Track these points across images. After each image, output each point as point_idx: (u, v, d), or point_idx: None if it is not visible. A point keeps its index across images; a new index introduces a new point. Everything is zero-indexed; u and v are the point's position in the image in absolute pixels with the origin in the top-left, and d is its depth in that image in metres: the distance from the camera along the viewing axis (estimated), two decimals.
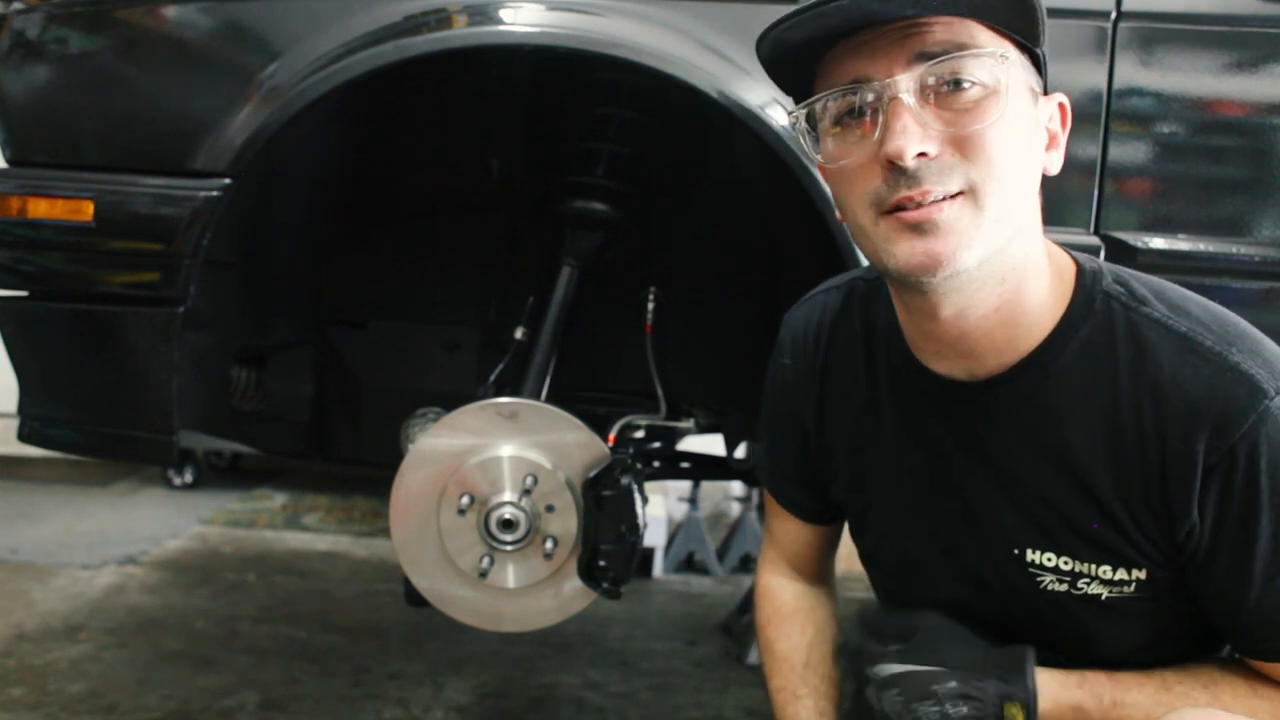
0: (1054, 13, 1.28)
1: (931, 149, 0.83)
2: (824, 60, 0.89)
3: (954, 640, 0.95)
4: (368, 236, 1.90)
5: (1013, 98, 0.84)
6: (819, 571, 1.23)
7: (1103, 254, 1.30)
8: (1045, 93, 0.92)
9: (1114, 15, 1.30)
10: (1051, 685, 0.90)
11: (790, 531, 1.21)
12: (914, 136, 0.82)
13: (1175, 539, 0.88)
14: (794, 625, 1.18)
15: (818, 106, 0.89)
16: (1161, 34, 1.30)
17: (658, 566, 3.14)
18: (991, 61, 0.84)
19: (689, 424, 1.85)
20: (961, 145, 0.83)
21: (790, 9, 0.87)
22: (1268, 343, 0.89)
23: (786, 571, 1.23)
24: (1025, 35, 0.87)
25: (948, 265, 0.84)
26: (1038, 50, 0.89)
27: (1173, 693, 0.89)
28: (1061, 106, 0.93)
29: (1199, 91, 1.31)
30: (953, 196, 0.83)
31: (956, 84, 0.83)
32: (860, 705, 0.98)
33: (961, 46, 0.83)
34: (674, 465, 2.03)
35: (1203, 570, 0.89)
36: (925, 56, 0.83)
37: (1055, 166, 0.92)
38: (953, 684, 0.89)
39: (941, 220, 0.83)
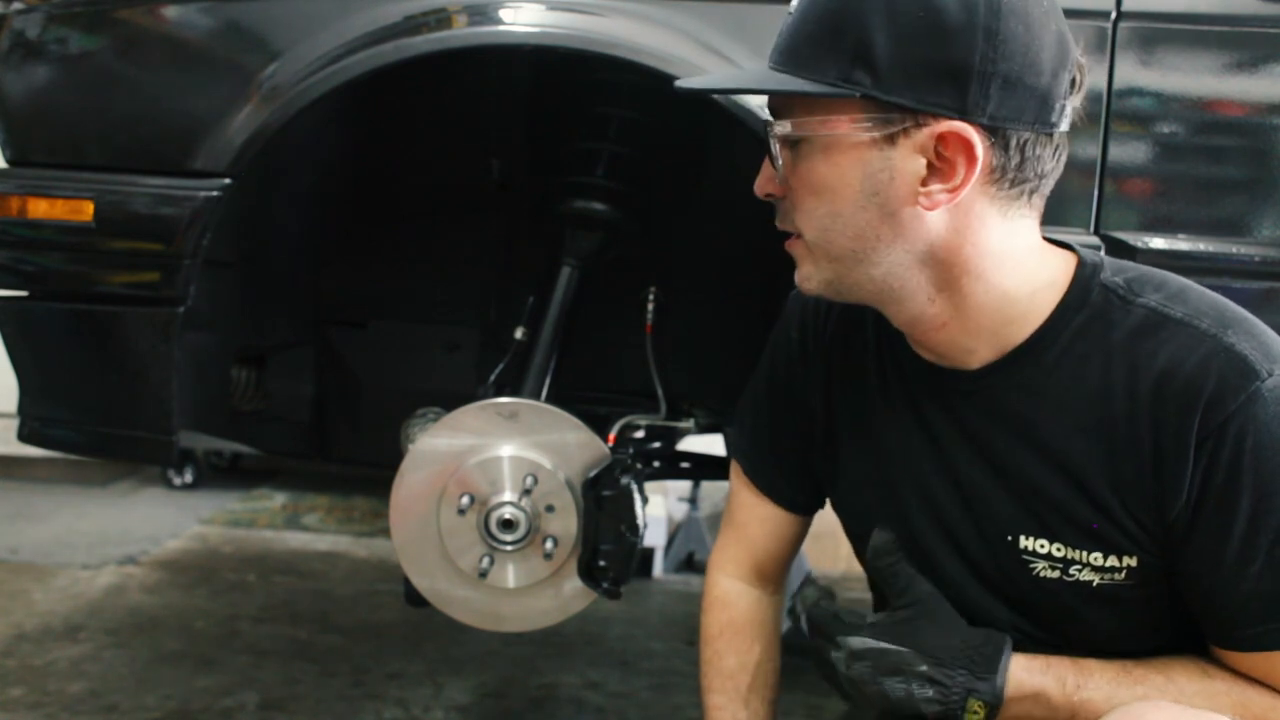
0: None
1: (775, 190, 0.94)
2: None
3: (932, 625, 0.96)
4: (368, 236, 1.90)
5: (819, 158, 0.88)
6: (777, 573, 1.22)
7: (1103, 254, 1.30)
8: (919, 118, 0.83)
9: (1114, 15, 1.30)
10: (1016, 672, 0.92)
11: (762, 522, 1.18)
12: (762, 178, 0.95)
13: (1165, 523, 0.88)
14: (745, 641, 1.17)
15: None
16: (1161, 34, 1.31)
17: (658, 566, 3.14)
18: (787, 131, 0.89)
19: (689, 424, 1.85)
20: (790, 195, 0.92)
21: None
22: (1267, 330, 0.89)
23: (743, 574, 1.20)
24: (847, 81, 0.84)
25: (803, 288, 0.97)
26: (875, 93, 0.83)
27: (1131, 675, 0.90)
28: (946, 136, 0.83)
29: (1199, 91, 1.31)
30: (796, 236, 0.94)
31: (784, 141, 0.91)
32: (822, 660, 1.00)
33: (777, 114, 0.91)
34: (674, 465, 2.02)
35: (1178, 551, 0.89)
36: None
37: (943, 200, 0.85)
38: (923, 668, 0.93)
39: (792, 253, 0.96)
